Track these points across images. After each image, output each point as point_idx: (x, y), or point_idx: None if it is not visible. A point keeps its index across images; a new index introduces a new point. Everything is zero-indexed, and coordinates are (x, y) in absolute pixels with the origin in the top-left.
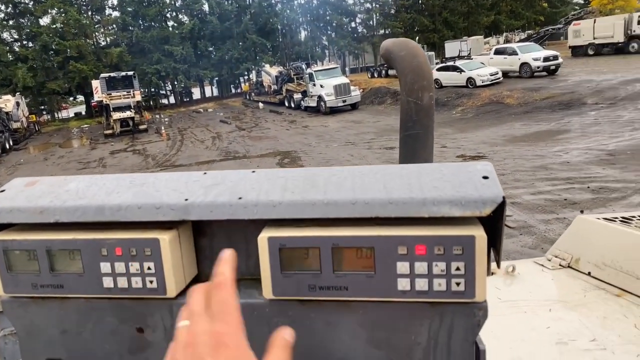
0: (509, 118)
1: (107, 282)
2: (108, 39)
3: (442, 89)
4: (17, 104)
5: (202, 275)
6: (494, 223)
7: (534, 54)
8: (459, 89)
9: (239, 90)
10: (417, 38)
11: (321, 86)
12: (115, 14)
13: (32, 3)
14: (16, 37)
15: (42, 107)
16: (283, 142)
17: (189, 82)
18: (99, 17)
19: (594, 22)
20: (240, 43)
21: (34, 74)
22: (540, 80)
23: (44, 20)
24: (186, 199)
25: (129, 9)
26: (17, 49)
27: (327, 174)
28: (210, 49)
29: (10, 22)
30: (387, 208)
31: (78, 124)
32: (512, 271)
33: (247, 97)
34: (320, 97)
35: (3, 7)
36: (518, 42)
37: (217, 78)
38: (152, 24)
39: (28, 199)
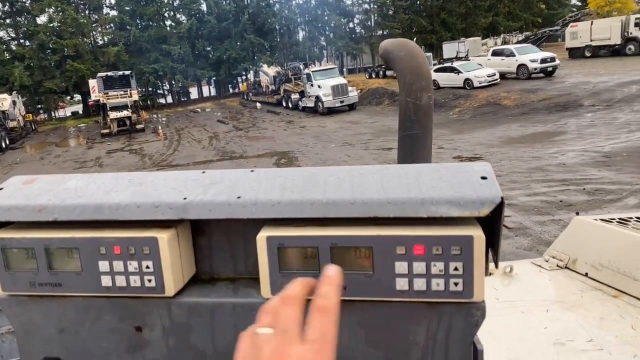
0: (506, 119)
1: (106, 281)
2: (105, 38)
3: (440, 90)
4: (14, 102)
5: (200, 274)
6: (492, 223)
7: (531, 56)
8: (457, 90)
9: (236, 90)
10: (415, 39)
11: (319, 86)
12: (113, 13)
13: (29, 1)
14: (13, 35)
15: (39, 106)
16: (280, 142)
17: (186, 81)
18: (96, 16)
19: (591, 24)
20: (238, 43)
21: (30, 73)
22: (537, 81)
23: (41, 19)
24: (185, 198)
25: (127, 8)
26: (14, 48)
27: (326, 173)
28: (208, 48)
29: (7, 21)
30: (385, 208)
31: (75, 123)
32: (510, 272)
33: (245, 97)
34: (317, 98)
35: (0, 6)
36: (515, 43)
37: (214, 78)
38: (150, 23)
39: (26, 197)
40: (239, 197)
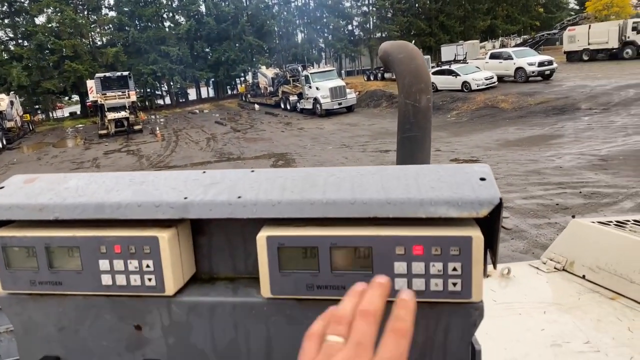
0: (503, 122)
1: (106, 280)
2: (104, 39)
3: (438, 93)
4: (12, 103)
5: (200, 273)
6: (490, 224)
7: (529, 59)
8: (454, 93)
9: (235, 92)
10: (414, 41)
11: (317, 88)
12: (112, 13)
13: (27, 2)
14: (11, 35)
15: (37, 106)
16: (278, 144)
17: (185, 83)
18: (95, 17)
19: (589, 28)
20: (237, 44)
21: (28, 73)
22: (535, 85)
23: (40, 19)
24: (185, 198)
25: (126, 9)
26: (12, 48)
27: (326, 174)
28: (207, 50)
29: (6, 21)
30: (385, 208)
31: (73, 124)
32: (508, 274)
33: (243, 99)
34: (316, 100)
35: None
36: (514, 46)
37: (213, 79)
38: (149, 24)
39: (27, 195)
40: (239, 197)
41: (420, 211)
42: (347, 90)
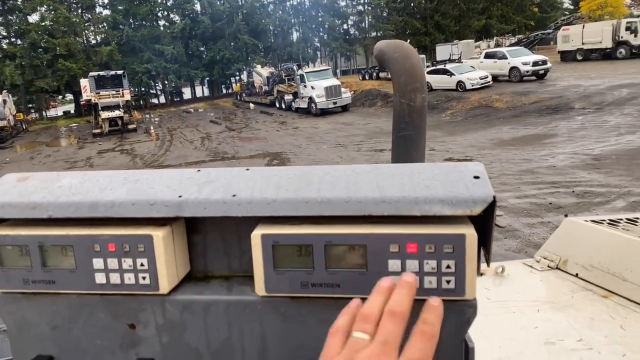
0: (498, 122)
1: (100, 278)
2: (98, 38)
3: (433, 92)
4: (4, 101)
5: (194, 271)
6: (484, 222)
7: (523, 59)
8: (449, 92)
9: (230, 91)
10: (409, 41)
11: (312, 87)
12: (106, 12)
13: (20, 0)
14: (4, 34)
15: (30, 105)
16: (273, 143)
17: (179, 81)
18: (89, 16)
19: (583, 28)
20: (232, 43)
21: (22, 72)
22: (529, 84)
23: (33, 18)
24: (180, 196)
25: (120, 7)
26: (5, 46)
27: (321, 172)
28: (202, 48)
29: None
30: (379, 206)
31: (66, 123)
32: (502, 272)
33: (238, 98)
34: (311, 99)
35: None
36: (508, 46)
37: (208, 78)
38: (143, 22)
39: (20, 194)
40: (234, 195)
41: (415, 209)
42: (342, 90)
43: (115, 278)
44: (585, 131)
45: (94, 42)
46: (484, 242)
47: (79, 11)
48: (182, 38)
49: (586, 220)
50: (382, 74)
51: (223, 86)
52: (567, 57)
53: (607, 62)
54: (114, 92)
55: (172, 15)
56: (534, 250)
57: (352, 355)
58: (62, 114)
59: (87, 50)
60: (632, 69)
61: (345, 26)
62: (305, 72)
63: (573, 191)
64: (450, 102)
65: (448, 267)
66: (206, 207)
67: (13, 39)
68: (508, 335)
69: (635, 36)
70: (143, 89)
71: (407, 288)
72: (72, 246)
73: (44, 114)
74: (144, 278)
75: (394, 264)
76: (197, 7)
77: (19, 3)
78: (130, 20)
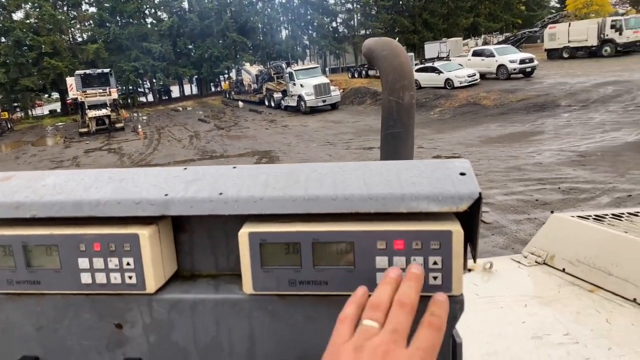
0: (485, 119)
1: (85, 278)
2: (84, 35)
3: (421, 90)
4: None
5: (182, 270)
6: (470, 218)
7: (511, 56)
8: (437, 90)
9: (218, 89)
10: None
11: (301, 86)
12: (92, 9)
13: None
14: None
15: (15, 104)
16: (262, 141)
17: (167, 80)
18: (74, 13)
19: (569, 26)
20: (221, 41)
21: (6, 70)
22: (516, 82)
23: (18, 15)
24: (166, 194)
25: (106, 4)
26: None
27: (309, 170)
28: (190, 46)
29: None
30: (366, 203)
31: (52, 122)
32: (490, 268)
33: (227, 96)
34: (300, 97)
35: None
36: (496, 44)
37: (196, 76)
38: (130, 20)
39: (3, 193)
40: (220, 194)
41: (402, 206)
42: (332, 88)
43: (101, 278)
44: (571, 128)
45: (80, 39)
46: (471, 238)
47: (65, 8)
48: (170, 36)
49: (572, 216)
50: (371, 72)
51: (212, 84)
52: (553, 55)
53: (592, 60)
54: (100, 91)
55: (159, 13)
56: (521, 247)
57: (362, 342)
58: (48, 112)
59: (73, 48)
60: (617, 66)
61: (334, 24)
62: (295, 70)
63: (559, 188)
64: (438, 100)
65: (435, 263)
66: (192, 206)
67: None
68: (496, 331)
69: (620, 34)
70: (131, 87)
71: (415, 280)
72: (56, 246)
73: (29, 112)
74: (130, 277)
75: (381, 261)
76: (185, 4)
77: (2, 1)
78: (117, 17)
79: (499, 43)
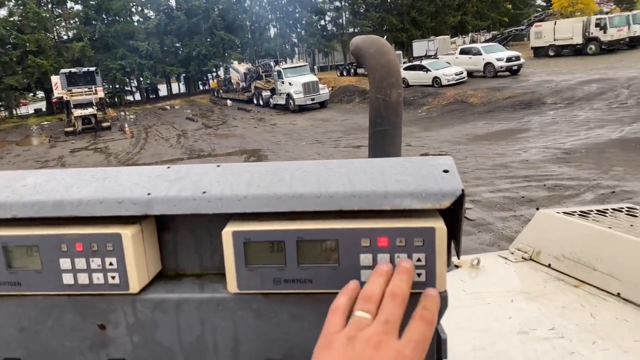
0: (473, 117)
1: (67, 279)
2: (70, 33)
3: (409, 88)
4: None
5: (166, 270)
6: (453, 215)
7: (498, 54)
8: (425, 88)
9: (206, 87)
10: (386, 37)
11: (290, 84)
12: (77, 7)
13: None
14: None
15: None
16: (250, 140)
17: (155, 78)
18: (59, 11)
19: (555, 24)
20: (208, 39)
21: None
22: (503, 80)
23: (1, 13)
24: (149, 194)
25: (92, 2)
26: None
27: (293, 167)
28: (177, 45)
29: None
30: (350, 201)
31: (38, 121)
32: (477, 264)
33: (215, 94)
34: (289, 95)
35: None
36: (483, 42)
37: (184, 75)
38: (117, 18)
39: None
40: (204, 192)
41: (385, 203)
42: (320, 86)
43: (83, 278)
44: (557, 126)
45: (65, 38)
46: (454, 235)
47: (49, 6)
48: (157, 34)
49: (558, 212)
50: (359, 70)
51: (200, 83)
52: (539, 53)
53: (577, 57)
54: (86, 89)
55: (146, 11)
56: (507, 244)
57: (355, 333)
58: (33, 111)
59: (59, 46)
60: (601, 64)
61: (322, 22)
62: (283, 69)
63: (544, 184)
64: (426, 98)
65: (419, 260)
66: (176, 205)
67: None
68: (483, 326)
69: (605, 32)
70: (117, 86)
71: (406, 273)
72: (37, 246)
73: (14, 112)
74: (113, 277)
75: (365, 258)
76: (172, 2)
77: None
78: (103, 15)
79: (486, 41)
